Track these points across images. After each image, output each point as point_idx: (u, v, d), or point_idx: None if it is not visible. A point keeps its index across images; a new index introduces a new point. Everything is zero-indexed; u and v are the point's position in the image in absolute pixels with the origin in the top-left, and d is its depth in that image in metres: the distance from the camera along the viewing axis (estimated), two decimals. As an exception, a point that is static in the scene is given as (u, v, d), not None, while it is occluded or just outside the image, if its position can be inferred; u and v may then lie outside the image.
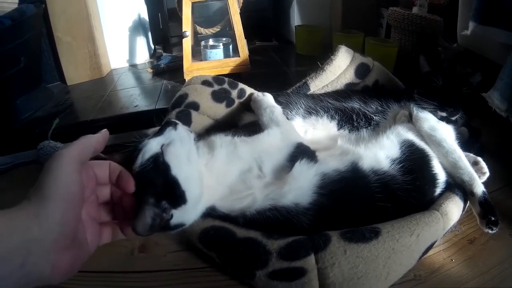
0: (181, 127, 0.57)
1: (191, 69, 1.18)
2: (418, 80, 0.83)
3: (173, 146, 0.52)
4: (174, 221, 0.50)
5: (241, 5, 1.25)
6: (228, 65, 1.21)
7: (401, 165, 0.64)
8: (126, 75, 1.54)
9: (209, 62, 1.23)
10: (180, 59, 1.22)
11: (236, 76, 1.16)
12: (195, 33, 1.34)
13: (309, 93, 0.86)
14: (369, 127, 0.75)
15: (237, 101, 0.82)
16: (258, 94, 0.80)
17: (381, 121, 0.77)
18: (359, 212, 0.59)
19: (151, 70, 1.48)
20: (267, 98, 0.78)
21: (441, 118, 0.78)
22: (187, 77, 1.15)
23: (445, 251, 0.72)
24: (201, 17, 1.32)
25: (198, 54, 1.30)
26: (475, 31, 0.92)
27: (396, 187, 0.61)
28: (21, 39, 1.16)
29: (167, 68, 1.43)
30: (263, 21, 1.81)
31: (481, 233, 0.74)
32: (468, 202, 0.69)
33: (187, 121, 0.76)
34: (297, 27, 1.73)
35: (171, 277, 0.60)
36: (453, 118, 0.78)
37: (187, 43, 1.19)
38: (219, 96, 0.80)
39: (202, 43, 1.31)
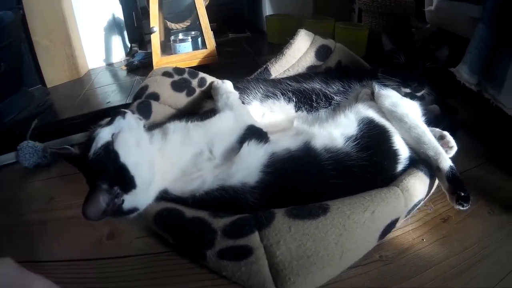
0: (129, 116, 0.59)
1: (161, 63, 1.19)
2: (382, 59, 0.81)
3: (122, 134, 0.55)
4: (126, 205, 0.53)
5: (207, 0, 1.27)
6: (196, 57, 1.23)
7: (356, 142, 0.61)
8: (102, 74, 1.57)
9: (178, 56, 1.25)
10: (152, 55, 1.23)
11: (204, 67, 1.18)
12: (166, 29, 1.36)
13: (271, 78, 0.84)
14: (329, 107, 0.73)
15: (198, 90, 0.83)
16: (217, 82, 0.81)
17: (342, 101, 0.74)
18: (310, 189, 0.57)
19: (125, 68, 1.50)
20: (225, 85, 0.78)
21: (406, 95, 0.75)
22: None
23: (415, 231, 0.69)
24: (172, 13, 1.34)
25: (169, 48, 1.33)
26: (439, 6, 0.89)
27: (351, 163, 0.59)
28: (1, 45, 1.18)
29: (141, 64, 1.45)
30: (237, 13, 1.83)
31: (456, 212, 0.71)
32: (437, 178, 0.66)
33: (147, 111, 0.78)
34: (268, 16, 1.77)
35: (137, 262, 0.62)
36: (419, 94, 0.75)
37: (155, 39, 1.21)
38: (179, 86, 0.82)
39: (172, 37, 1.33)
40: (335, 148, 0.60)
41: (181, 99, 0.81)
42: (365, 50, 1.38)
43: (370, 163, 0.60)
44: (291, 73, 0.86)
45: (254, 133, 0.62)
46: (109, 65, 1.62)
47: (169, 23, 1.32)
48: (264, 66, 0.86)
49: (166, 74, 0.82)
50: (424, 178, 0.63)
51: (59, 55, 1.41)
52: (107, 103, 1.21)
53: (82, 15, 1.51)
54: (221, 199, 0.55)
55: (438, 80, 0.79)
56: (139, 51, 1.58)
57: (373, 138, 0.63)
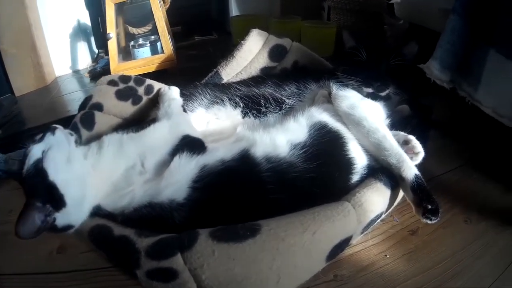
0: (59, 132, 0.59)
1: (118, 70, 1.16)
2: (342, 56, 0.74)
3: (51, 151, 0.54)
4: (59, 223, 0.52)
5: (168, 3, 1.22)
6: (153, 62, 1.18)
7: (304, 150, 0.55)
8: (68, 81, 1.53)
9: (136, 61, 1.21)
10: (112, 61, 1.19)
11: (162, 72, 1.14)
12: (128, 34, 1.32)
13: (223, 82, 0.78)
14: (280, 112, 0.66)
15: (145, 98, 0.78)
16: (164, 89, 0.76)
17: (296, 104, 0.68)
18: (244, 206, 0.51)
19: (88, 75, 1.46)
20: (170, 92, 0.73)
21: (368, 95, 0.68)
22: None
23: (377, 246, 0.62)
24: (134, 18, 1.29)
25: (130, 54, 1.28)
26: None
27: (295, 175, 0.52)
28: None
29: (103, 71, 1.40)
30: (204, 14, 1.77)
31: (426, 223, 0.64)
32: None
33: (90, 122, 0.73)
34: (234, 17, 1.70)
35: (82, 277, 0.61)
36: (382, 94, 0.68)
37: (112, 45, 1.17)
38: (124, 94, 0.77)
39: (131, 43, 1.29)
40: (277, 157, 0.54)
41: (127, 108, 0.76)
42: (333, 49, 1.31)
43: (318, 175, 0.53)
44: (244, 76, 0.80)
45: (188, 144, 0.57)
46: (75, 72, 1.58)
47: (130, 28, 1.28)
48: (214, 70, 0.81)
49: (112, 82, 0.78)
50: (384, 190, 0.55)
51: (26, 63, 1.38)
52: (67, 111, 1.17)
53: (49, 22, 1.48)
54: (148, 216, 0.51)
55: (405, 78, 0.72)
56: (105, 57, 1.54)
57: (324, 146, 0.56)
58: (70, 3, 1.52)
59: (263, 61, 0.80)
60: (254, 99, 0.67)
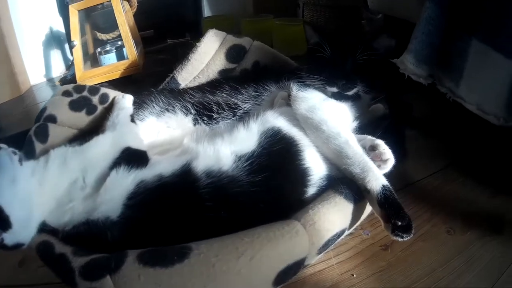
0: (2, 152, 0.57)
1: (84, 77, 1.13)
2: (306, 53, 0.68)
3: None
4: (8, 242, 0.51)
5: (134, 7, 1.18)
6: (118, 68, 1.15)
7: (249, 161, 0.49)
8: (43, 90, 1.49)
9: (102, 68, 1.18)
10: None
11: (128, 78, 1.11)
12: (96, 40, 1.29)
13: (180, 87, 0.73)
14: (233, 118, 0.61)
15: (100, 107, 0.74)
16: (117, 97, 0.72)
17: (252, 108, 0.62)
18: (179, 227, 0.47)
19: (59, 83, 1.43)
20: (123, 101, 0.69)
21: (333, 95, 0.61)
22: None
23: (342, 264, 0.56)
24: (103, 23, 1.25)
25: (98, 61, 1.25)
26: None
27: (237, 191, 0.47)
28: None
29: (74, 78, 1.31)
30: (178, 17, 1.70)
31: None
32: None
33: (44, 135, 0.72)
34: (205, 19, 1.66)
35: None
36: (349, 93, 0.61)
37: (77, 53, 1.14)
38: (78, 105, 0.74)
39: (98, 49, 1.25)
40: (219, 171, 0.48)
41: (81, 119, 0.73)
42: (306, 47, 1.21)
43: (264, 189, 0.47)
44: (202, 79, 0.74)
45: (128, 157, 0.54)
46: (50, 80, 1.55)
47: (98, 34, 1.25)
48: (171, 75, 0.76)
49: (66, 93, 0.75)
50: (345, 204, 0.49)
51: (0, 74, 1.34)
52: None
53: (23, 31, 1.46)
54: (85, 234, 0.49)
55: (376, 74, 0.65)
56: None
57: (275, 156, 0.51)
58: (43, 11, 1.50)
59: (221, 63, 0.74)
60: (206, 105, 0.62)
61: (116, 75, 1.10)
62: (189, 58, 0.74)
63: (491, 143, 0.73)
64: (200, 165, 0.50)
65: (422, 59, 0.65)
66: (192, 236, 0.44)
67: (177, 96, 0.65)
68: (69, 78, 1.28)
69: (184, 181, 0.49)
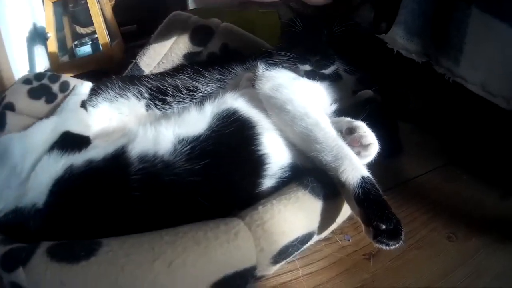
0: None
1: (59, 70, 1.09)
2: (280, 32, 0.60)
3: None
4: None
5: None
6: (92, 60, 1.11)
7: (189, 146, 0.41)
8: None
9: (76, 60, 1.14)
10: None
11: (102, 71, 1.05)
12: (75, 33, 1.26)
13: (144, 74, 0.68)
14: (191, 101, 0.53)
15: (60, 95, 0.71)
16: (76, 84, 0.68)
17: (215, 91, 0.54)
18: (100, 217, 0.40)
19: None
20: (79, 87, 0.65)
21: (307, 75, 0.53)
22: None
23: (313, 277, 0.46)
24: (85, 17, 1.22)
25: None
26: None
27: (170, 180, 0.39)
28: None
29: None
30: (162, 11, 1.66)
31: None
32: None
33: (2, 123, 0.69)
34: (190, 11, 1.45)
35: None
36: (325, 71, 0.52)
37: (51, 46, 1.11)
38: (37, 93, 0.71)
39: (75, 42, 1.20)
40: (153, 155, 0.41)
41: (40, 107, 0.69)
42: None
43: (205, 179, 0.39)
44: (167, 65, 0.68)
45: (64, 141, 0.49)
46: None
47: (78, 28, 1.22)
48: (134, 61, 0.70)
49: (26, 81, 0.72)
50: (310, 200, 0.39)
51: (-17, 70, 1.34)
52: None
53: (7, 27, 1.45)
54: (12, 223, 0.45)
55: (360, 51, 0.56)
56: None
57: (224, 140, 0.43)
58: (27, 6, 1.51)
59: (185, 46, 0.68)
60: (161, 88, 0.55)
61: (89, 67, 1.07)
62: (150, 42, 0.68)
63: (499, 134, 0.61)
64: (136, 149, 0.43)
65: (413, 32, 0.56)
66: (113, 231, 0.37)
67: (134, 81, 0.60)
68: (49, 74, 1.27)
69: (113, 166, 0.42)
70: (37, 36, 1.56)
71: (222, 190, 0.40)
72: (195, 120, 0.45)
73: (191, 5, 1.58)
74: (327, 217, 0.42)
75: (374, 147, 0.43)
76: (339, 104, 0.53)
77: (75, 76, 1.06)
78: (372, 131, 0.47)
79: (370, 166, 0.45)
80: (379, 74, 0.62)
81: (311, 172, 0.43)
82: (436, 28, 0.57)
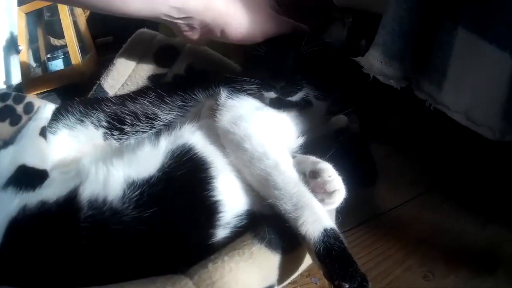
0: None
1: (30, 85, 1.01)
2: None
3: None
4: None
5: (87, 11, 1.09)
6: (63, 75, 1.04)
7: (139, 191, 0.38)
8: None
9: (47, 75, 1.07)
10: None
11: (75, 87, 1.00)
12: (49, 45, 1.19)
13: (109, 96, 0.63)
14: (150, 131, 0.49)
15: (25, 117, 0.66)
16: (40, 106, 0.63)
17: (175, 120, 0.50)
18: (49, 267, 0.38)
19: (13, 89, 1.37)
20: (41, 111, 0.61)
21: (272, 103, 0.49)
22: (27, 93, 1.03)
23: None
24: (60, 28, 1.16)
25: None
26: None
27: (117, 229, 0.37)
28: None
29: None
30: (140, 22, 1.58)
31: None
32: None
33: None
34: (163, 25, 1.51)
35: None
36: (293, 98, 0.48)
37: (23, 59, 1.04)
38: (1, 115, 0.67)
39: (48, 55, 1.13)
40: (103, 201, 0.39)
41: (5, 129, 0.65)
42: None
43: (153, 229, 0.37)
44: (132, 87, 0.63)
45: (20, 176, 0.47)
46: (9, 86, 1.49)
47: (52, 39, 1.15)
48: (98, 82, 0.65)
49: None
50: (266, 255, 0.36)
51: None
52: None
53: None
54: None
55: (331, 74, 0.51)
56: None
57: (175, 184, 0.39)
58: (3, 15, 1.45)
59: (149, 67, 0.63)
60: (120, 116, 0.52)
61: (61, 82, 1.02)
62: (114, 62, 0.63)
63: (480, 158, 0.58)
64: (86, 191, 0.40)
65: (392, 55, 0.51)
66: (62, 280, 0.35)
67: (95, 106, 0.56)
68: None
69: (65, 210, 0.40)
70: (14, 45, 1.51)
71: (171, 242, 0.37)
72: (147, 158, 0.42)
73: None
74: (288, 269, 0.39)
75: (339, 194, 0.39)
76: (309, 135, 0.49)
77: (47, 92, 1.03)
78: (346, 162, 0.43)
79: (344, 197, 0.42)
80: (353, 97, 0.59)
81: (268, 220, 0.39)
82: (418, 49, 0.52)
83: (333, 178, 0.40)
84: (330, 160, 0.43)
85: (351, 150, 0.50)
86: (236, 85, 0.49)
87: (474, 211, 0.55)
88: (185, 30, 0.51)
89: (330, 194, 0.39)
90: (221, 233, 0.38)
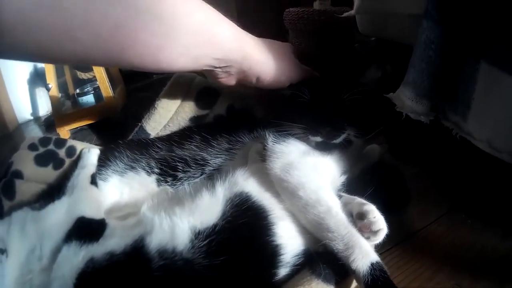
0: None
1: (62, 122, 1.03)
2: (284, 99, 0.59)
3: None
4: None
5: None
6: (95, 111, 1.06)
7: (208, 240, 0.42)
8: (30, 129, 1.43)
9: (79, 111, 1.09)
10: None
11: (107, 121, 1.03)
12: (76, 79, 1.21)
13: (151, 137, 0.66)
14: (201, 176, 0.53)
15: (68, 161, 0.69)
16: (84, 151, 0.66)
17: (224, 164, 0.54)
18: None
19: (43, 123, 1.38)
20: (86, 156, 0.63)
21: (317, 146, 0.53)
22: (60, 131, 1.04)
23: None
24: None
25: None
26: (361, 6, 0.61)
27: (191, 276, 0.41)
28: None
29: None
30: None
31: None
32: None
33: (11, 192, 0.68)
34: None
35: None
36: (336, 141, 0.53)
37: (53, 96, 1.06)
38: (44, 159, 0.69)
39: (77, 90, 1.15)
40: (172, 251, 0.42)
41: (49, 174, 0.69)
42: None
43: (224, 275, 0.41)
44: (173, 128, 0.66)
45: (81, 229, 0.49)
46: (36, 118, 1.52)
47: (79, 73, 1.18)
48: (139, 124, 0.68)
49: (31, 147, 0.71)
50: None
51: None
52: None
53: (8, 68, 1.43)
54: None
55: (368, 113, 0.56)
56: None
57: (239, 232, 0.44)
58: None
59: (190, 109, 0.66)
60: (171, 163, 0.55)
61: (93, 118, 1.03)
62: (156, 106, 0.66)
63: (500, 180, 0.62)
64: (154, 242, 0.44)
65: (422, 93, 0.55)
66: None
67: (142, 151, 0.59)
68: (52, 119, 1.23)
69: (135, 260, 0.43)
70: (38, 78, 1.52)
71: (240, 284, 0.42)
72: (208, 208, 0.46)
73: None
74: (340, 297, 0.45)
75: (382, 232, 0.44)
76: (350, 172, 0.53)
77: (80, 127, 1.03)
78: (383, 190, 0.48)
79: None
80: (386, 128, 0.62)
81: (322, 257, 0.44)
82: (444, 84, 0.56)
83: (377, 219, 0.45)
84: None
85: (387, 181, 0.54)
86: (282, 129, 0.53)
87: (495, 226, 0.61)
88: (222, 77, 0.54)
89: (375, 232, 0.45)
90: (282, 271, 0.43)
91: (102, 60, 0.43)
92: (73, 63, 1.00)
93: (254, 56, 0.52)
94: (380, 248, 0.48)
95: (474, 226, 0.61)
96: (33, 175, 0.68)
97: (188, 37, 0.43)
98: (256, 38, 0.54)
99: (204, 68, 0.51)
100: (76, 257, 0.46)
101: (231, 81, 0.55)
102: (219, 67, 0.51)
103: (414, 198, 0.64)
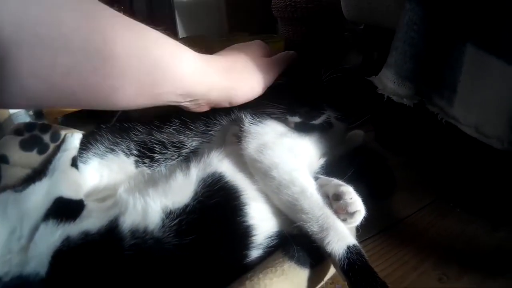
0: None
1: (52, 108, 1.03)
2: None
3: None
4: None
5: None
6: None
7: (177, 220, 0.42)
8: (20, 118, 1.38)
9: None
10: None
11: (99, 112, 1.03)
12: None
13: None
14: (178, 158, 0.52)
15: (52, 145, 0.69)
16: (67, 135, 0.65)
17: (200, 146, 0.53)
18: None
19: (32, 112, 1.39)
20: (69, 140, 0.63)
21: (297, 126, 0.52)
22: (48, 119, 1.05)
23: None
24: None
25: None
26: None
27: (161, 256, 0.40)
28: None
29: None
30: None
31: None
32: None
33: None
34: (179, 40, 1.54)
35: None
36: (316, 122, 0.51)
37: None
38: (29, 144, 0.68)
39: None
40: (144, 230, 0.42)
41: (33, 158, 0.67)
42: None
43: (193, 255, 0.40)
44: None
45: (59, 208, 0.49)
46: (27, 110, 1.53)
47: None
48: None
49: (17, 131, 0.70)
50: (296, 271, 0.40)
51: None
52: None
53: None
54: None
55: (350, 96, 0.54)
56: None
57: (210, 212, 0.43)
58: None
59: None
60: (148, 146, 0.54)
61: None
62: None
63: (491, 167, 0.61)
64: (127, 222, 0.43)
65: (404, 75, 0.53)
66: None
67: (123, 134, 0.58)
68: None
69: (108, 240, 0.43)
70: None
71: (211, 264, 0.41)
72: (181, 188, 0.45)
73: (181, 34, 1.55)
74: (314, 281, 0.43)
75: (360, 214, 0.43)
76: (329, 155, 0.52)
77: (68, 115, 1.04)
78: (365, 177, 0.47)
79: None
80: (369, 108, 0.61)
81: (296, 239, 0.43)
82: (429, 67, 0.54)
83: (354, 200, 0.43)
84: (349, 177, 0.47)
85: (369, 166, 0.53)
86: (260, 109, 0.52)
87: (484, 216, 0.59)
88: (193, 108, 0.51)
89: (351, 214, 0.43)
90: (254, 253, 0.42)
91: (59, 104, 0.40)
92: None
93: (220, 84, 0.48)
94: (362, 235, 0.47)
95: (462, 216, 0.60)
96: (19, 159, 0.67)
97: (145, 77, 0.41)
98: (220, 58, 0.51)
99: (170, 104, 0.48)
100: (52, 235, 0.46)
101: (202, 109, 0.52)
102: (186, 101, 0.48)
103: (401, 186, 0.63)
